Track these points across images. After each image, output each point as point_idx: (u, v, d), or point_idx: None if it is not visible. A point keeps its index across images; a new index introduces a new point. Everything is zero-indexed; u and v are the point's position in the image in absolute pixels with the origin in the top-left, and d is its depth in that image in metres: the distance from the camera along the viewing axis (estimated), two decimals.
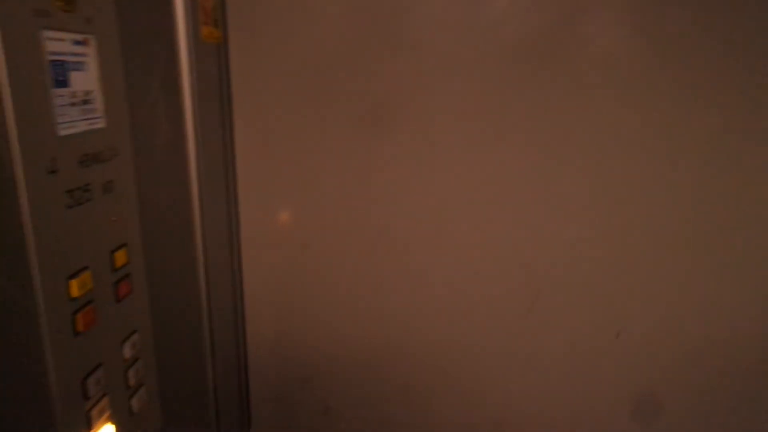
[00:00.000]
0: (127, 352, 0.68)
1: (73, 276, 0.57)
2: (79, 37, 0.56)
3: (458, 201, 0.92)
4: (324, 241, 0.97)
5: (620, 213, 0.89)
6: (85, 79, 0.58)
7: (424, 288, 0.97)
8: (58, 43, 0.53)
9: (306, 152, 0.92)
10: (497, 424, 1.02)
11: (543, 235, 0.91)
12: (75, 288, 0.57)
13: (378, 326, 1.00)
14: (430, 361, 1.01)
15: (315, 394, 1.06)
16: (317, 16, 0.86)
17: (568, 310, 0.94)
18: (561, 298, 0.94)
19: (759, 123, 0.84)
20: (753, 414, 0.95)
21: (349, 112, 0.90)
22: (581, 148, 0.87)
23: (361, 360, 1.03)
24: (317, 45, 0.87)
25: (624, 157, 0.87)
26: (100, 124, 0.60)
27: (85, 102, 0.58)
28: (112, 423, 0.64)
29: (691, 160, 0.86)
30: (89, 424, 0.60)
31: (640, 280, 0.91)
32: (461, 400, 1.02)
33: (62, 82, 0.55)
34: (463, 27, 0.85)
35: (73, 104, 0.56)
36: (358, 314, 1.00)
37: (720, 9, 0.80)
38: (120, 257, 0.65)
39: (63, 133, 0.54)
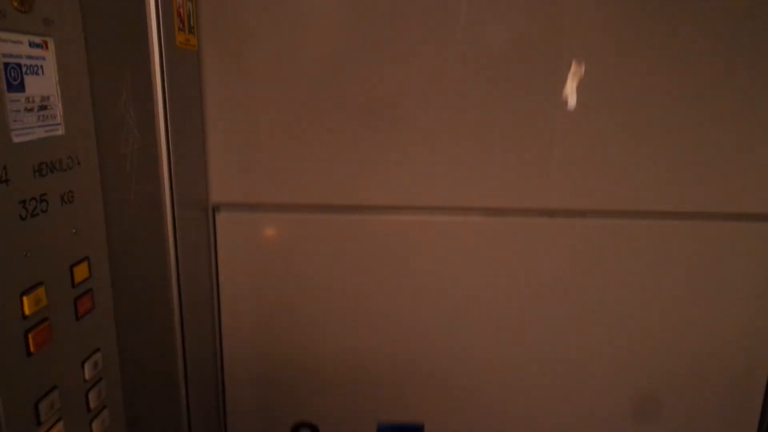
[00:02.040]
0: (88, 372, 0.64)
1: (25, 292, 0.53)
2: (36, 39, 0.53)
3: (451, 209, 0.90)
4: (306, 251, 0.94)
5: (619, 220, 0.89)
6: (43, 84, 0.55)
7: (419, 298, 0.95)
8: (12, 45, 0.50)
9: (282, 160, 0.90)
10: None
11: (543, 243, 0.91)
12: (27, 305, 0.53)
13: (368, 336, 0.97)
14: (424, 370, 0.98)
15: (297, 416, 1.02)
16: (294, 23, 0.84)
17: (570, 315, 0.94)
18: (563, 304, 0.93)
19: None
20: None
21: (327, 121, 0.87)
22: (579, 155, 0.86)
23: (348, 377, 0.99)
24: (294, 54, 0.85)
25: (618, 165, 0.87)
26: (59, 131, 0.57)
27: (43, 108, 0.55)
28: None
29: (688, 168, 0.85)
30: None
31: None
32: (457, 411, 1.00)
33: (17, 87, 0.52)
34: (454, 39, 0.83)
35: (28, 110, 0.53)
36: (344, 327, 0.97)
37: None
38: (80, 271, 0.62)
39: (16, 140, 0.51)
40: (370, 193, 0.90)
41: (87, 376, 0.64)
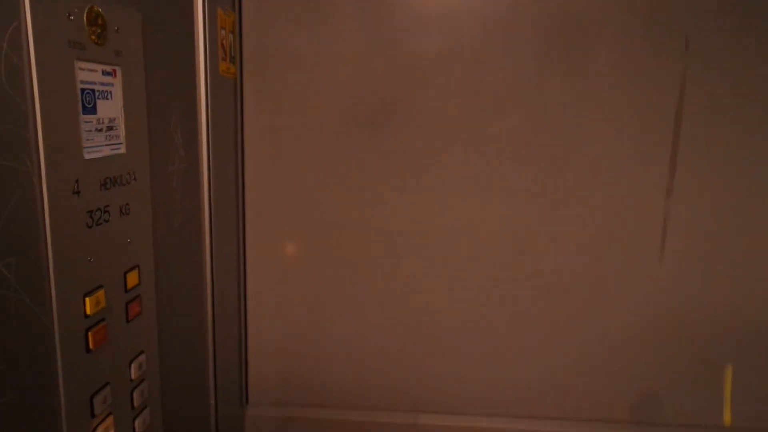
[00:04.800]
0: (134, 372, 0.69)
1: (88, 294, 0.59)
2: (107, 68, 0.60)
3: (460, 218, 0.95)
4: (329, 265, 0.99)
5: (618, 217, 0.93)
6: (111, 107, 0.61)
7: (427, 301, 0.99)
8: (88, 73, 0.57)
9: (312, 183, 0.96)
10: None
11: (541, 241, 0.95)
12: (89, 305, 0.58)
13: (386, 336, 1.01)
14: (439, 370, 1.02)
15: (320, 422, 1.06)
16: (327, 57, 0.91)
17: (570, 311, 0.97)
18: (559, 303, 0.96)
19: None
20: None
21: (352, 154, 0.93)
22: (577, 157, 0.91)
23: (370, 381, 1.03)
24: (327, 87, 0.92)
25: (621, 158, 0.91)
26: (122, 149, 0.64)
27: (109, 128, 0.61)
28: None
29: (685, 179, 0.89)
30: None
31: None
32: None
33: (90, 109, 0.58)
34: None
35: (98, 130, 0.59)
36: (365, 335, 1.02)
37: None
38: (132, 278, 0.67)
39: (88, 156, 0.58)
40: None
41: (133, 376, 0.68)
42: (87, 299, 0.58)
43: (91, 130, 0.58)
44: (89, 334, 0.59)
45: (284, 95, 0.93)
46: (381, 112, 0.92)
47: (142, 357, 0.71)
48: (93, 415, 0.60)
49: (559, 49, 0.87)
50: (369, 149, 0.94)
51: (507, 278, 0.96)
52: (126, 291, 0.66)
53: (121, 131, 0.64)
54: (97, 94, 0.59)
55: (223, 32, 0.86)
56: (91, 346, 0.59)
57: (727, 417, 0.92)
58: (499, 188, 0.93)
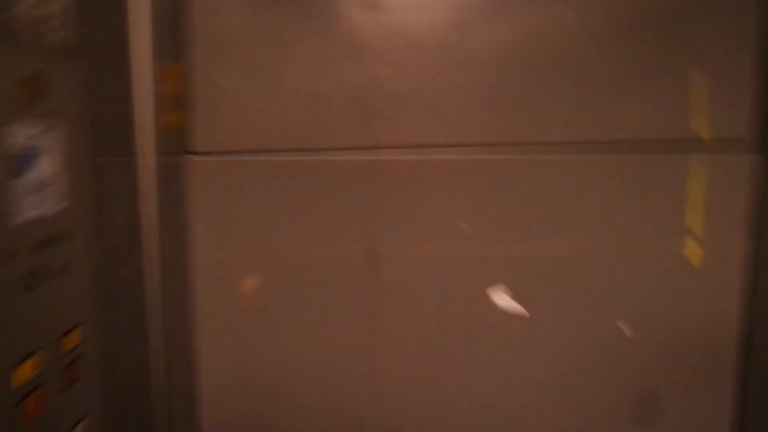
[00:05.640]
0: None
1: (19, 363, 0.56)
2: (43, 126, 0.59)
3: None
4: (285, 316, 0.97)
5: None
6: (47, 166, 0.60)
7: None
8: (22, 132, 0.56)
9: (267, 235, 0.94)
10: None
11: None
12: (20, 376, 0.56)
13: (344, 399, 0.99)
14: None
15: None
16: (275, 102, 0.91)
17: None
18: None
19: None
20: None
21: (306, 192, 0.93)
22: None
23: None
24: (280, 131, 0.92)
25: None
26: (60, 207, 0.62)
27: (45, 187, 0.60)
28: None
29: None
30: None
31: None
32: None
33: (24, 170, 0.57)
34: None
35: (33, 190, 0.58)
36: (328, 395, 0.99)
37: None
38: (73, 338, 0.65)
39: (20, 220, 0.56)
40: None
41: None
42: (20, 368, 0.56)
43: (24, 191, 0.57)
44: (23, 405, 0.56)
45: (232, 139, 0.92)
46: (331, 146, 0.92)
47: (87, 420, 0.68)
48: None
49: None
50: (321, 186, 0.93)
51: (469, 318, 0.96)
52: (65, 353, 0.64)
53: (59, 189, 0.62)
54: (32, 152, 0.57)
55: (167, 84, 0.86)
56: (24, 418, 0.56)
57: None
58: (469, 224, 0.93)
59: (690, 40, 0.87)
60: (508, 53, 0.89)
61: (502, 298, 0.95)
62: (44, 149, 0.60)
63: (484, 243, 0.94)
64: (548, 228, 0.92)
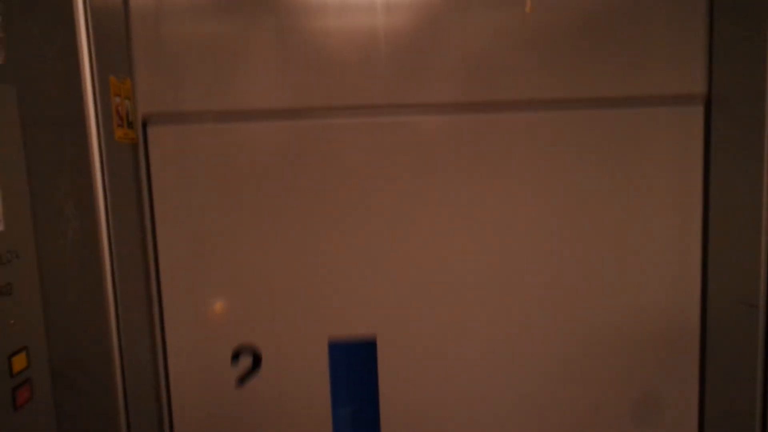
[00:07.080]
0: None
1: None
2: None
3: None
4: (252, 324, 0.96)
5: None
6: None
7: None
8: None
9: (231, 250, 0.94)
10: None
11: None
12: None
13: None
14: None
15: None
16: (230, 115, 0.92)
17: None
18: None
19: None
20: None
21: (274, 209, 0.93)
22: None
23: None
24: (234, 146, 0.92)
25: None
26: None
27: None
28: None
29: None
30: None
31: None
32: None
33: None
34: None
35: None
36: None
37: None
38: (19, 361, 0.63)
39: None
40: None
41: None
42: None
43: None
44: None
45: (192, 154, 0.92)
46: (294, 165, 0.92)
47: None
48: None
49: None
50: (285, 204, 0.93)
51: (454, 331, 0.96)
52: (12, 376, 0.62)
53: None
54: None
55: (117, 99, 0.85)
56: None
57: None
58: (428, 228, 0.94)
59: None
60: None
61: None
62: None
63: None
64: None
